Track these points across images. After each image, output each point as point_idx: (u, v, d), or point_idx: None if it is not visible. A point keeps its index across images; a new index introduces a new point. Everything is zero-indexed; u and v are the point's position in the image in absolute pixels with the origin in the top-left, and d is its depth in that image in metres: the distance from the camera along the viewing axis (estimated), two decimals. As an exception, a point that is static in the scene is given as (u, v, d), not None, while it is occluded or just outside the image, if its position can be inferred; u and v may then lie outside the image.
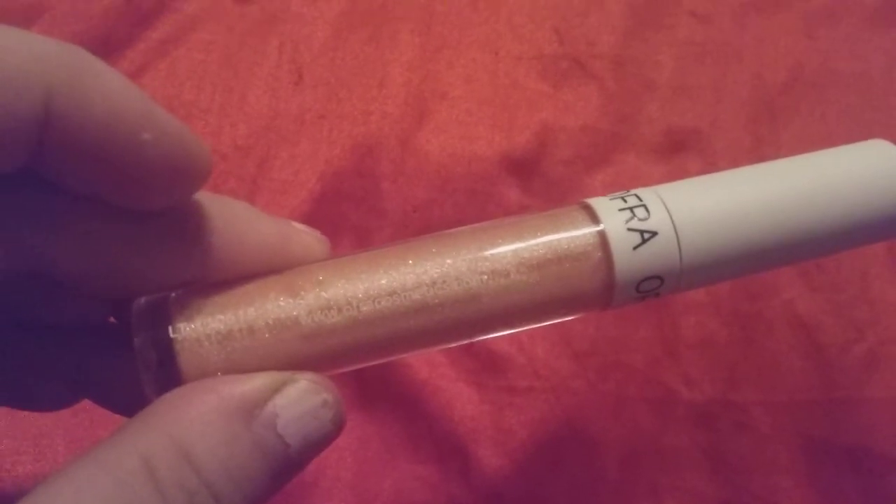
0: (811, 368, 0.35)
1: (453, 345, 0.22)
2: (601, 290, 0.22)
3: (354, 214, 0.37)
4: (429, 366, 0.35)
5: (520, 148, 0.39)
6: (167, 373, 0.19)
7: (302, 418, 0.18)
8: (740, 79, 0.41)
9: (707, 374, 0.35)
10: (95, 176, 0.17)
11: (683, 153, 0.39)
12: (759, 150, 0.39)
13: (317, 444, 0.19)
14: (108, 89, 0.17)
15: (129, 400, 0.20)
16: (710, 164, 0.39)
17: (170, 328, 0.19)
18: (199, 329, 0.19)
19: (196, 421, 0.17)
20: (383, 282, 0.20)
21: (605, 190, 0.38)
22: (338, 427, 0.19)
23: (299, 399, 0.18)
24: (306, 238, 0.22)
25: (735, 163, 0.39)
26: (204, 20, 0.41)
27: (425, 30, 0.42)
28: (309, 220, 0.36)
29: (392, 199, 0.37)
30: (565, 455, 0.34)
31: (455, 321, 0.21)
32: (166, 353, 0.19)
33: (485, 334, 0.22)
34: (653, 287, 0.22)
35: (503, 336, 0.35)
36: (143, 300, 0.20)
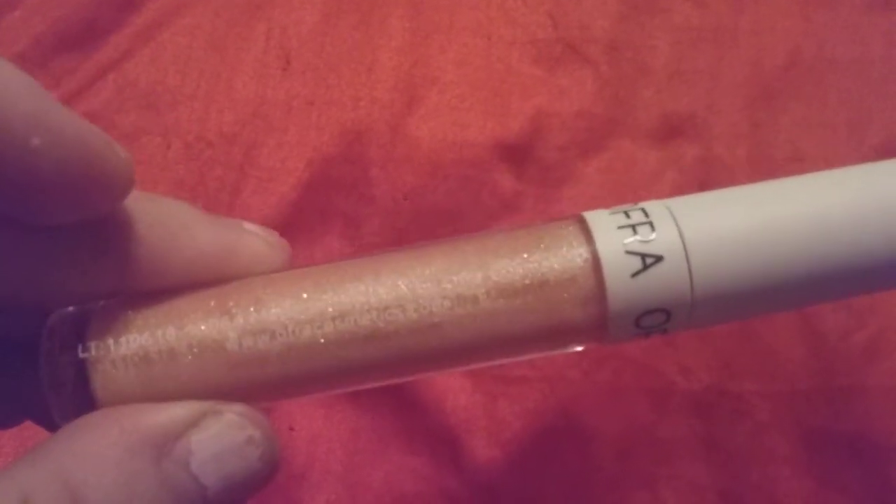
0: (810, 357, 0.34)
1: (409, 378, 0.19)
2: (591, 323, 0.18)
3: (343, 202, 0.37)
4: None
5: (513, 134, 0.38)
6: (78, 399, 0.17)
7: (222, 456, 0.16)
8: (737, 63, 0.40)
9: (704, 363, 0.34)
10: None
11: (679, 138, 0.39)
12: (757, 135, 0.39)
13: (242, 486, 0.16)
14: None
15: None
16: (707, 150, 0.38)
17: (80, 347, 0.17)
18: (113, 350, 0.17)
19: (90, 455, 0.15)
20: (329, 303, 0.17)
21: (601, 176, 0.38)
22: (269, 466, 0.17)
23: (220, 434, 0.16)
24: (256, 245, 0.19)
25: (732, 148, 0.38)
26: (190, 5, 0.40)
27: (416, 14, 0.41)
28: (297, 207, 0.36)
29: (382, 185, 0.37)
30: (560, 446, 0.33)
31: (410, 353, 0.18)
32: (77, 377, 0.17)
33: (447, 368, 0.19)
34: (658, 322, 0.18)
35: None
36: (56, 315, 0.18)
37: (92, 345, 0.17)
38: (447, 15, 0.41)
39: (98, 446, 0.15)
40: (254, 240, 0.19)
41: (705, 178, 0.38)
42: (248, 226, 0.20)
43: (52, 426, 0.19)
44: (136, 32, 0.39)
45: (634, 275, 0.18)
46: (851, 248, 0.18)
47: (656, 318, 0.18)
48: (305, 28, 0.40)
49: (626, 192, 0.38)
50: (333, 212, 0.37)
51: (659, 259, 0.18)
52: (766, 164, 0.38)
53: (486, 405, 0.34)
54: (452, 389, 0.34)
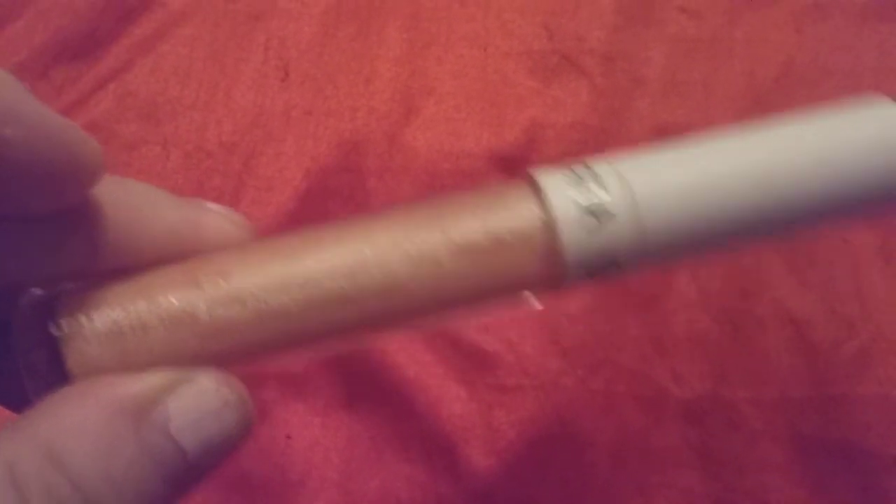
0: (802, 365, 0.35)
1: (377, 339, 0.19)
2: (547, 278, 0.19)
3: (341, 212, 0.37)
4: (417, 364, 0.34)
5: (508, 144, 0.38)
6: (52, 375, 0.17)
7: (200, 420, 0.16)
8: (732, 74, 0.41)
9: (697, 371, 0.35)
10: None
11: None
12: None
13: (220, 448, 0.17)
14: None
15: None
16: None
17: (52, 325, 0.17)
18: (86, 326, 0.17)
19: (71, 424, 0.15)
20: (296, 270, 0.18)
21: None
22: (245, 428, 0.17)
23: (196, 400, 0.16)
24: (219, 222, 0.20)
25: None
26: (190, 16, 0.40)
27: (413, 25, 0.41)
28: (295, 217, 0.36)
29: (379, 196, 0.37)
30: (554, 453, 0.34)
31: (377, 314, 0.18)
32: (51, 354, 0.17)
33: (413, 327, 0.20)
34: (609, 271, 0.19)
35: (491, 335, 0.35)
36: (27, 296, 0.18)
37: (64, 322, 0.17)
38: (444, 26, 0.41)
39: (77, 416, 0.15)
40: (217, 217, 0.20)
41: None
42: (211, 205, 0.20)
43: (22, 408, 0.19)
44: (136, 43, 0.39)
45: (588, 231, 0.18)
46: (780, 192, 0.19)
47: (607, 268, 0.19)
48: (304, 39, 0.40)
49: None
50: (331, 221, 0.37)
51: (608, 214, 0.18)
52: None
53: (481, 413, 0.34)
54: (448, 398, 0.34)
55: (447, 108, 0.39)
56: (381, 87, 0.39)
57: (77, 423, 0.15)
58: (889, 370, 0.34)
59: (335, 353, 0.34)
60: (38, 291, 0.18)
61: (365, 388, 0.34)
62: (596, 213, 0.18)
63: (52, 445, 0.15)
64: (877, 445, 0.33)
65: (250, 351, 0.18)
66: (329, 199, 0.37)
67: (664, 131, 0.39)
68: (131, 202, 0.19)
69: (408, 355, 0.34)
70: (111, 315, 0.17)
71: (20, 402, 0.18)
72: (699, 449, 0.34)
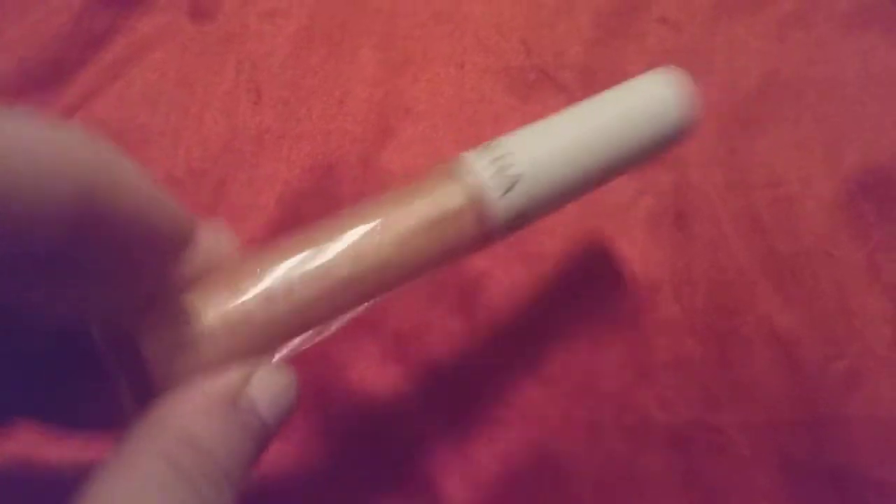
0: (790, 386, 0.34)
1: (378, 300, 0.24)
2: (481, 237, 0.25)
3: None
4: (396, 397, 0.34)
5: (486, 164, 0.38)
6: (144, 388, 0.21)
7: (273, 399, 0.21)
8: (712, 87, 0.40)
9: (682, 396, 0.34)
10: (102, 254, 0.18)
11: (654, 165, 0.38)
12: (733, 160, 0.38)
13: (286, 417, 0.22)
14: (131, 184, 0.18)
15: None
16: (682, 176, 0.38)
17: (144, 343, 0.21)
18: (168, 341, 0.21)
19: (198, 415, 0.20)
20: (312, 265, 0.23)
21: (575, 203, 0.37)
22: (297, 400, 0.22)
23: (268, 384, 0.21)
24: (212, 236, 0.23)
25: (708, 175, 0.38)
26: (158, 40, 0.39)
27: (387, 44, 0.40)
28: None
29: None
30: (537, 485, 0.33)
31: (374, 283, 0.24)
32: (142, 371, 0.21)
33: (395, 289, 0.25)
34: (520, 222, 0.26)
35: (472, 366, 0.34)
36: (109, 326, 0.22)
37: (149, 344, 0.21)
38: (420, 43, 0.41)
39: (200, 408, 0.20)
40: (209, 231, 0.23)
41: (681, 205, 0.37)
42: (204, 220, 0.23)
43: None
44: (103, 69, 0.39)
45: (504, 194, 0.25)
46: (614, 144, 0.28)
47: (519, 220, 0.26)
48: (276, 61, 0.40)
49: (601, 219, 0.37)
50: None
51: (517, 178, 0.25)
52: (742, 188, 0.38)
53: (461, 446, 0.33)
54: (429, 432, 0.33)
55: (423, 128, 0.39)
56: (355, 109, 0.39)
57: (202, 413, 0.20)
58: (877, 389, 0.34)
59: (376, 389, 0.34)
60: (118, 319, 0.21)
61: (342, 423, 0.34)
62: (507, 178, 0.25)
63: (189, 433, 0.19)
64: (866, 467, 0.33)
65: (289, 336, 0.23)
66: (303, 226, 0.36)
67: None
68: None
69: (387, 387, 0.34)
70: (185, 331, 0.21)
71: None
72: (686, 476, 0.33)
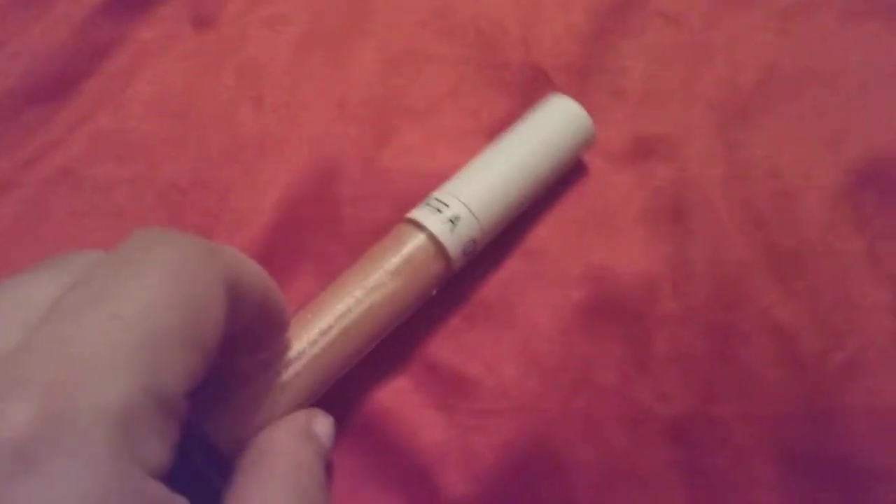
0: (790, 378, 0.34)
1: (378, 340, 0.31)
2: (442, 270, 0.33)
3: (315, 242, 0.37)
4: (394, 393, 0.34)
5: (485, 163, 0.38)
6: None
7: (327, 435, 0.28)
8: (711, 81, 0.40)
9: (682, 389, 0.34)
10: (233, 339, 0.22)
11: (653, 160, 0.38)
12: (733, 153, 0.38)
13: (332, 446, 0.28)
14: (255, 282, 0.22)
15: None
16: (681, 171, 0.38)
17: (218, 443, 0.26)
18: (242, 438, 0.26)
19: (296, 445, 0.26)
20: (318, 327, 0.29)
21: (574, 199, 0.38)
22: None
23: (324, 423, 0.28)
24: None
25: (707, 168, 0.38)
26: (161, 49, 0.40)
27: (386, 45, 0.41)
28: (269, 249, 0.36)
29: (354, 222, 0.37)
30: (536, 478, 0.33)
31: (370, 328, 0.31)
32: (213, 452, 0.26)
33: (391, 329, 0.32)
34: (473, 248, 0.33)
35: (471, 358, 0.35)
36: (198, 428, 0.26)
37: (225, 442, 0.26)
38: (419, 44, 0.41)
39: (293, 440, 0.26)
40: None
41: (679, 199, 0.37)
42: None
43: None
44: (108, 80, 0.40)
45: (452, 231, 0.32)
46: (529, 172, 0.35)
47: (471, 246, 0.33)
48: (278, 67, 0.40)
49: (600, 214, 0.37)
50: (306, 251, 0.36)
51: (458, 217, 0.33)
52: (742, 181, 0.38)
53: (460, 439, 0.33)
54: (427, 425, 0.33)
55: (422, 129, 0.39)
56: (355, 111, 0.39)
57: (296, 444, 0.26)
58: (878, 380, 0.34)
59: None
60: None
61: (340, 420, 0.34)
62: (452, 221, 0.33)
63: (297, 458, 0.25)
64: (867, 458, 0.32)
65: (325, 379, 0.30)
66: (304, 229, 0.37)
67: (643, 142, 0.39)
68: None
69: (385, 384, 0.34)
70: (249, 419, 0.26)
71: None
72: (686, 469, 0.33)
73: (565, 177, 0.38)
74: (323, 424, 0.28)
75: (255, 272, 0.23)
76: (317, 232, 0.37)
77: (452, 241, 0.32)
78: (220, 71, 0.40)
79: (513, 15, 0.42)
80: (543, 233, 0.37)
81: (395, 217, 0.36)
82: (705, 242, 0.37)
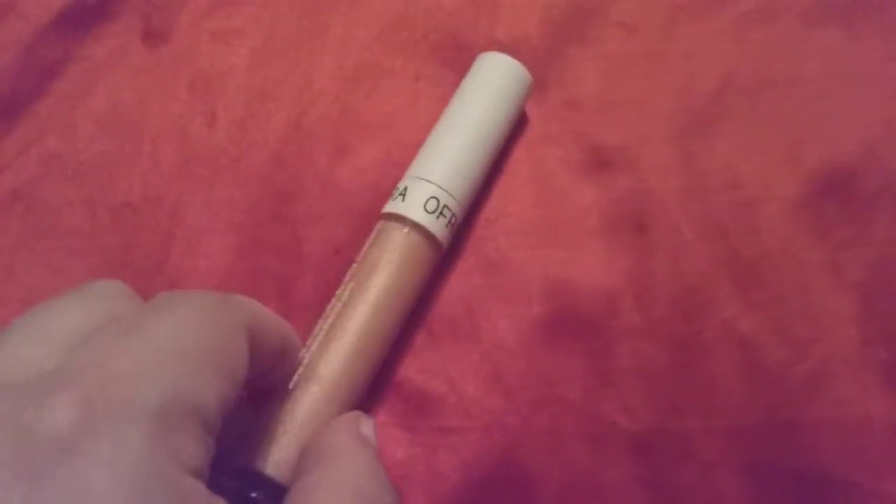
0: (754, 390, 0.34)
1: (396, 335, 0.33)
2: (436, 250, 0.34)
3: (274, 263, 0.36)
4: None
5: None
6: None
7: (373, 433, 0.28)
8: (668, 91, 0.40)
9: (645, 403, 0.34)
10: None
11: (611, 171, 0.38)
12: (691, 164, 0.38)
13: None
14: (270, 325, 0.25)
15: None
16: (639, 182, 0.38)
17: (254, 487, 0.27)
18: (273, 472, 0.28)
19: (354, 445, 0.26)
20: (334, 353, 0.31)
21: (533, 210, 0.37)
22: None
23: (369, 424, 0.28)
24: None
25: (665, 179, 0.38)
26: (112, 65, 0.39)
27: (343, 62, 0.40)
28: (227, 272, 0.35)
29: (312, 242, 0.36)
30: (500, 496, 0.33)
31: (390, 326, 0.32)
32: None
33: (403, 323, 0.33)
34: (452, 222, 0.34)
35: (433, 376, 0.34)
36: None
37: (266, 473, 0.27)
38: (375, 58, 0.41)
39: (350, 438, 0.27)
40: None
41: (638, 210, 0.37)
42: None
43: None
44: (58, 99, 0.39)
45: (431, 213, 0.33)
46: (477, 136, 0.36)
47: (451, 220, 0.34)
48: (232, 83, 0.39)
49: (558, 225, 0.37)
50: (266, 274, 0.36)
51: (432, 198, 0.33)
52: (701, 192, 0.37)
53: (424, 458, 0.33)
54: (390, 443, 0.33)
55: (379, 145, 0.38)
56: (311, 129, 0.38)
57: (353, 444, 0.26)
58: (843, 391, 0.33)
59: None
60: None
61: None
62: (428, 205, 0.33)
63: (360, 459, 0.26)
64: (832, 470, 0.32)
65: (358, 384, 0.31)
66: (261, 252, 0.36)
67: (601, 153, 0.39)
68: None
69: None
70: (282, 453, 0.28)
71: None
72: (650, 483, 0.33)
73: (524, 186, 0.38)
74: (368, 425, 0.28)
75: (272, 317, 0.26)
76: (275, 253, 0.36)
77: (435, 223, 0.33)
78: (172, 86, 0.39)
79: (469, 27, 0.42)
80: (503, 244, 0.37)
81: (356, 239, 0.35)
82: (666, 254, 0.36)
